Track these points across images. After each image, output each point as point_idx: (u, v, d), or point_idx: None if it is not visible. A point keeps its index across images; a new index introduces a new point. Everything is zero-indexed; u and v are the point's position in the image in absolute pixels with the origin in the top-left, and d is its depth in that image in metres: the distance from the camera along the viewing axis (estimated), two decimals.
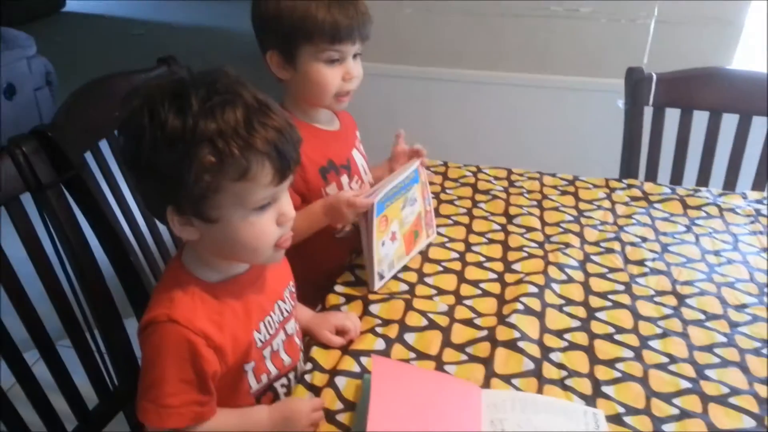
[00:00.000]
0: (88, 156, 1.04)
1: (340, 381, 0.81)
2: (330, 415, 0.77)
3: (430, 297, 0.98)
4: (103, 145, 1.08)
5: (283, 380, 0.83)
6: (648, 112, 1.46)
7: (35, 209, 0.93)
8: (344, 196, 0.94)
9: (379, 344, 0.88)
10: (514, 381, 0.82)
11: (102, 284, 1.01)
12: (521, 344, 0.87)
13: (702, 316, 0.96)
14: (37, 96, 2.99)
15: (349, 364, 0.84)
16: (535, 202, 1.26)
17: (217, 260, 0.75)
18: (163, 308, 0.71)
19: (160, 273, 1.18)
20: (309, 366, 0.84)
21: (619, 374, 0.84)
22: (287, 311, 0.84)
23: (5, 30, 2.90)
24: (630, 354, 0.88)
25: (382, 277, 0.99)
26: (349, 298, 0.97)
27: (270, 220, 0.72)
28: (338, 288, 0.99)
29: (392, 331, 0.90)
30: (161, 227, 1.22)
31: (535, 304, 0.96)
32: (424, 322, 0.92)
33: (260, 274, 0.80)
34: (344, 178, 1.09)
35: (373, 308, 0.95)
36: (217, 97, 0.65)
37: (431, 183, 1.25)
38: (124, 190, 1.12)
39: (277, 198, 0.72)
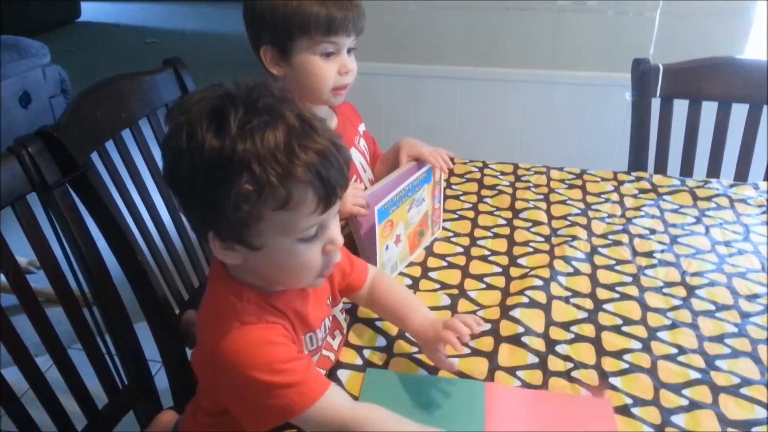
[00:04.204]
0: (95, 157, 1.05)
1: (343, 374, 0.81)
2: None
3: (433, 291, 0.98)
4: (110, 146, 1.09)
5: None
6: (656, 103, 1.44)
7: (42, 210, 0.94)
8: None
9: (380, 341, 0.87)
10: (519, 373, 0.81)
11: (110, 283, 1.02)
12: (525, 339, 0.87)
13: (712, 307, 0.94)
14: (52, 103, 3.04)
15: (351, 357, 0.84)
16: (541, 196, 1.25)
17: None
18: (230, 320, 0.68)
19: (169, 272, 1.19)
20: None
21: (626, 365, 0.83)
22: (327, 328, 0.81)
23: (20, 39, 2.96)
24: (638, 345, 0.87)
25: None
26: None
27: (316, 250, 0.67)
28: None
29: (394, 327, 0.89)
30: (170, 227, 1.23)
31: (540, 296, 0.95)
32: None
33: (306, 291, 0.76)
34: None
35: None
36: (257, 118, 0.60)
37: None
38: (131, 191, 1.14)
39: (326, 225, 0.67)
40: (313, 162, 0.61)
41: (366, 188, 1.10)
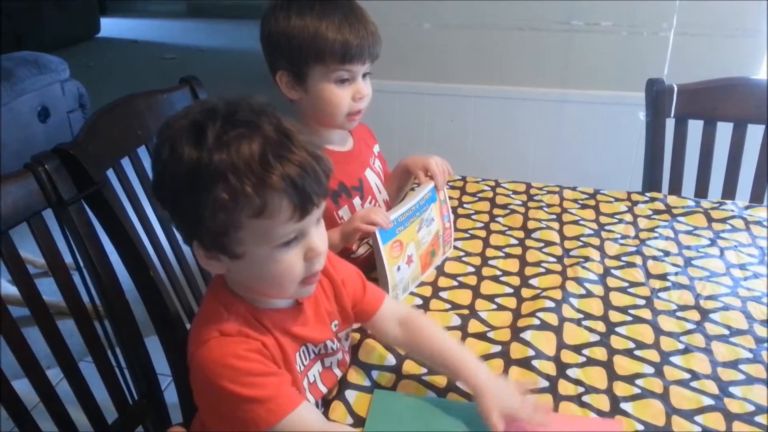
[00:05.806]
0: (111, 174, 1.06)
1: (350, 394, 0.80)
2: None
3: (444, 311, 0.97)
4: (125, 163, 1.10)
5: (322, 409, 0.80)
6: (670, 124, 1.43)
7: (57, 225, 0.95)
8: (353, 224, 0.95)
9: (389, 360, 0.87)
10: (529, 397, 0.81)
11: (122, 298, 1.03)
12: (535, 363, 0.86)
13: (726, 332, 0.93)
14: (70, 118, 3.08)
15: (359, 377, 0.83)
16: (554, 216, 1.25)
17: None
18: (212, 329, 0.69)
19: (180, 287, 1.19)
20: None
21: (638, 390, 0.82)
22: (333, 349, 0.81)
23: (40, 55, 3.00)
24: (650, 370, 0.86)
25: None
26: None
27: (297, 256, 0.68)
28: None
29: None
30: (182, 243, 1.24)
31: (552, 318, 0.94)
32: None
33: (302, 310, 0.77)
34: (357, 200, 1.08)
35: None
36: (234, 130, 0.63)
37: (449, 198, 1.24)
38: (146, 207, 1.15)
39: (306, 233, 0.68)
40: (288, 172, 0.63)
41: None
